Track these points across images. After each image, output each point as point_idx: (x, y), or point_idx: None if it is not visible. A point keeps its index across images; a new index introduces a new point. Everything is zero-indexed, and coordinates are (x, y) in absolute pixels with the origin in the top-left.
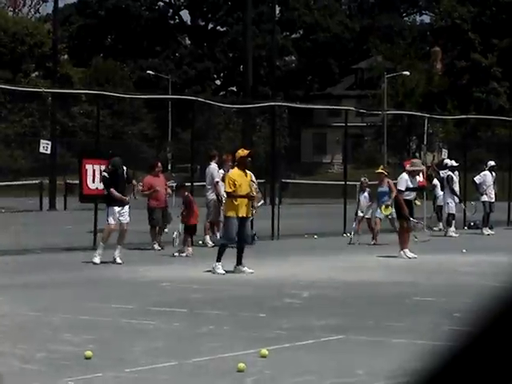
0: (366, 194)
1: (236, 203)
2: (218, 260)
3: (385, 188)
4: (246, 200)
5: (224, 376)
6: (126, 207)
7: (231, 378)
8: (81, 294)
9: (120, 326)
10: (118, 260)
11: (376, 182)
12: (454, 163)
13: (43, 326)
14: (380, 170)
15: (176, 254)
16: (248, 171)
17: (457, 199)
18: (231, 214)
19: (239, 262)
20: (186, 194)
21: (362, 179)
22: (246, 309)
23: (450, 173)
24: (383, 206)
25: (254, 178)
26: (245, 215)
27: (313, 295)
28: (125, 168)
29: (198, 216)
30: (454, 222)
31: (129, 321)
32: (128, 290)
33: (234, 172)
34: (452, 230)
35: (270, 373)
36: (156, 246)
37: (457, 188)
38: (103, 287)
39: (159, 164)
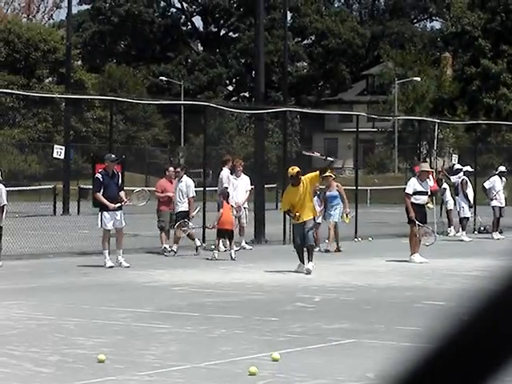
0: (316, 197)
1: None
2: (300, 260)
3: (334, 192)
4: (300, 208)
5: (236, 379)
6: (119, 212)
7: (243, 381)
8: (94, 298)
9: (133, 329)
10: (124, 264)
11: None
12: (470, 169)
13: (56, 330)
14: (327, 174)
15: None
16: (301, 183)
17: (468, 204)
18: (294, 223)
19: (306, 261)
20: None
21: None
22: (258, 313)
23: (464, 177)
24: (344, 215)
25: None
26: (304, 220)
27: (324, 299)
28: (118, 172)
29: (228, 221)
30: (466, 226)
31: (141, 324)
32: (141, 294)
33: (287, 190)
34: (464, 234)
35: (282, 376)
36: (167, 248)
37: (471, 193)
38: (116, 291)
39: (170, 169)
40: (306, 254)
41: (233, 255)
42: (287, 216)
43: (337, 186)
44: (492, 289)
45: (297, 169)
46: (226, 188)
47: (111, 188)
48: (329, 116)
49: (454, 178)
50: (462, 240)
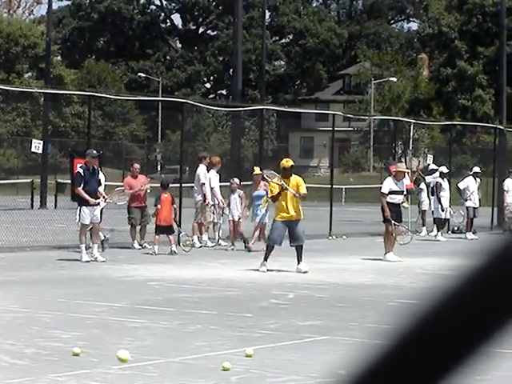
0: (236, 195)
1: (282, 207)
2: (265, 259)
3: (261, 192)
4: (291, 203)
5: (210, 374)
6: (97, 207)
7: (217, 376)
8: (70, 292)
9: (108, 323)
10: (100, 258)
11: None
12: (445, 170)
13: (32, 323)
14: (257, 172)
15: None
16: (293, 177)
17: (440, 206)
18: (277, 219)
19: (299, 261)
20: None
21: (232, 180)
22: (232, 309)
23: (439, 179)
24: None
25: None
26: (293, 218)
27: (298, 296)
28: (100, 170)
29: (167, 217)
30: (441, 226)
31: (117, 319)
32: (116, 289)
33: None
34: (440, 235)
35: (256, 372)
36: (136, 245)
37: (446, 194)
38: (92, 285)
39: (135, 165)
40: (296, 254)
41: (174, 249)
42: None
43: (264, 185)
44: (450, 287)
45: (291, 162)
46: (203, 184)
47: (91, 183)
48: (305, 115)
49: (428, 178)
50: (438, 240)
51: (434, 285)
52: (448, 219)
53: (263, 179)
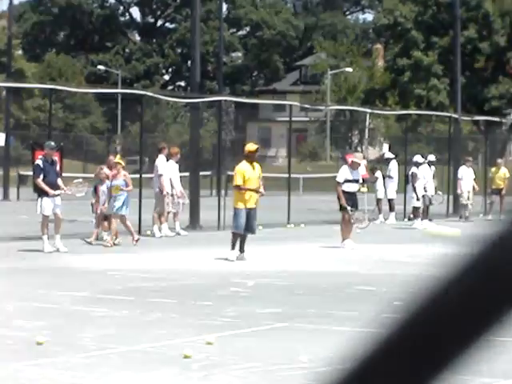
0: (104, 186)
1: (245, 196)
2: (233, 247)
3: (120, 181)
4: (253, 193)
5: (171, 362)
6: (58, 198)
7: (178, 363)
8: (33, 282)
9: (71, 312)
10: (63, 248)
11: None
12: (432, 158)
13: None
14: (117, 160)
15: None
16: (256, 164)
17: (416, 195)
18: (240, 205)
19: (242, 250)
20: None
21: (101, 170)
22: (192, 297)
23: (413, 169)
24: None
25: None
26: (252, 207)
27: (257, 284)
28: (57, 160)
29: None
30: (417, 214)
31: (79, 308)
32: (79, 279)
33: (243, 165)
34: (417, 222)
35: (216, 359)
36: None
37: (431, 182)
38: (54, 275)
39: (111, 157)
40: (240, 243)
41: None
42: (222, 202)
43: (124, 174)
44: (447, 276)
45: (256, 145)
46: (162, 175)
47: (51, 175)
48: (263, 105)
49: (391, 168)
50: (415, 228)
51: (430, 273)
52: (417, 207)
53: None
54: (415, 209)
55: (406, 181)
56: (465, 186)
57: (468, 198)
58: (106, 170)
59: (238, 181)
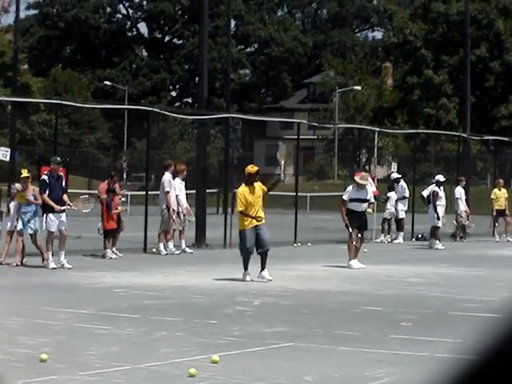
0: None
1: (247, 219)
2: (245, 269)
3: (29, 196)
4: (258, 210)
5: (175, 381)
6: (63, 214)
7: (183, 382)
8: (38, 299)
9: (75, 330)
10: (67, 265)
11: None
12: (441, 178)
13: (0, 329)
14: (25, 175)
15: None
16: (257, 184)
17: (436, 215)
18: (245, 227)
19: (263, 268)
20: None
21: (13, 186)
22: (198, 316)
23: (435, 188)
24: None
25: (264, 187)
26: (259, 224)
27: (263, 303)
28: (63, 175)
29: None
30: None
31: (83, 325)
32: (83, 296)
33: (244, 189)
34: (437, 243)
35: (221, 379)
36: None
37: (443, 203)
38: (58, 292)
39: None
40: (260, 261)
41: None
42: (229, 219)
43: (33, 189)
44: None
45: (256, 167)
46: (168, 192)
47: (56, 190)
48: (270, 123)
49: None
50: (437, 249)
51: None
52: (438, 227)
53: None
54: (435, 228)
55: (427, 201)
56: (462, 205)
57: (467, 218)
58: (17, 186)
59: (240, 206)
